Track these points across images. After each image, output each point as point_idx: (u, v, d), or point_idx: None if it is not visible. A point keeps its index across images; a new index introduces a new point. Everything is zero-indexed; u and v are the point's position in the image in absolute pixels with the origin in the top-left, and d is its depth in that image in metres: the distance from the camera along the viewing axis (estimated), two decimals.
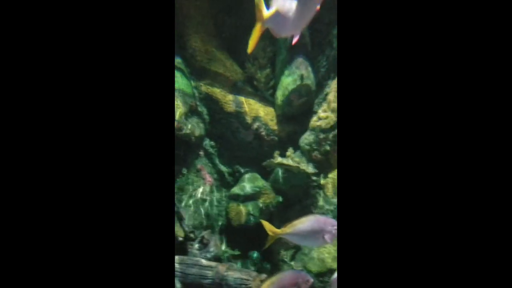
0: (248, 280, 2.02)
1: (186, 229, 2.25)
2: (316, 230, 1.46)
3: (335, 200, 2.24)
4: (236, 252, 2.47)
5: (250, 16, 2.78)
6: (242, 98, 2.49)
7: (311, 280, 1.46)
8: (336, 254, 2.11)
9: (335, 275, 1.65)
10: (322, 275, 2.08)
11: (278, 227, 2.49)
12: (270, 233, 1.56)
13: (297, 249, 2.37)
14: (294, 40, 1.13)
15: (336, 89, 2.26)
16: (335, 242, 1.92)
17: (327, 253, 2.13)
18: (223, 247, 2.46)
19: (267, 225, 1.58)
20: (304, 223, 1.49)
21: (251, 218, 2.42)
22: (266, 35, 2.58)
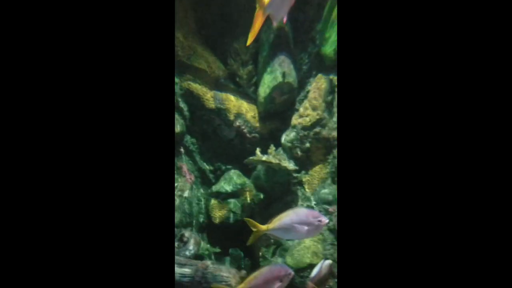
0: (228, 277, 2.01)
1: None
2: (299, 223, 1.47)
3: (314, 197, 2.27)
4: (217, 250, 2.45)
5: (233, 12, 2.76)
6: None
7: (292, 273, 1.47)
8: (315, 250, 2.14)
9: (326, 261, 1.68)
10: (302, 270, 2.10)
11: (261, 223, 2.51)
12: (254, 229, 1.55)
13: (277, 245, 2.39)
14: (285, 19, 1.16)
15: (317, 87, 2.29)
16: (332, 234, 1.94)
17: (306, 248, 2.16)
18: (204, 245, 2.44)
19: (251, 222, 1.57)
20: (287, 216, 1.49)
21: (232, 215, 2.41)
22: (249, 31, 2.56)
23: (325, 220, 1.46)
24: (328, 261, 1.68)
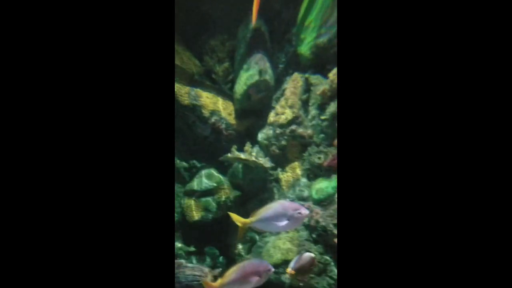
0: (200, 276, 1.99)
1: None
2: (280, 215, 1.47)
3: (290, 194, 2.31)
4: (192, 249, 2.42)
5: (209, 9, 2.71)
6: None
7: (272, 269, 1.48)
8: (291, 246, 2.17)
9: (308, 253, 1.69)
10: (277, 266, 2.12)
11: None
12: (239, 224, 1.54)
13: (253, 242, 2.40)
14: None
15: (293, 86, 2.32)
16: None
17: (282, 244, 2.18)
18: (178, 244, 2.39)
19: (235, 217, 1.56)
20: (269, 209, 1.50)
21: (208, 214, 2.39)
22: (225, 29, 2.54)
23: (305, 211, 1.47)
24: (310, 254, 1.71)
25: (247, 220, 1.52)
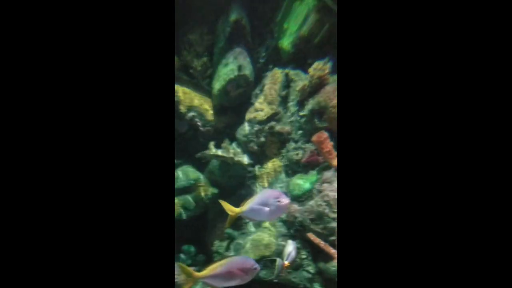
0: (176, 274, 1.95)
1: None
2: (263, 204, 1.46)
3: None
4: None
5: (187, 2, 2.63)
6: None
7: (259, 268, 1.47)
8: (268, 242, 2.18)
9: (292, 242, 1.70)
10: (256, 262, 2.12)
11: (214, 219, 2.47)
12: (229, 212, 1.52)
13: (231, 239, 2.38)
14: None
15: (273, 81, 2.32)
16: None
17: (260, 240, 2.18)
18: None
19: (226, 205, 1.54)
20: (255, 197, 1.49)
21: (185, 211, 2.34)
22: (204, 22, 2.48)
23: (285, 200, 1.45)
24: (294, 242, 1.72)
25: (238, 210, 1.50)
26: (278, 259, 1.69)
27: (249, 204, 1.48)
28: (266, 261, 2.06)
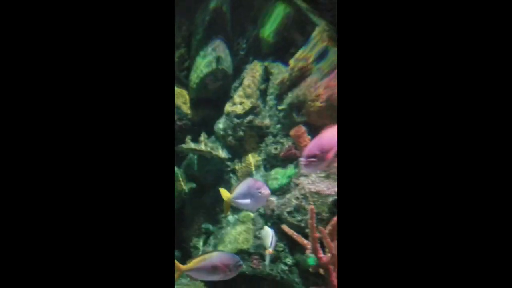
0: None
1: None
2: (246, 194, 1.47)
3: None
4: None
5: None
6: None
7: (242, 264, 1.47)
8: (246, 236, 2.18)
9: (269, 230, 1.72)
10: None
11: (192, 214, 2.43)
12: (225, 199, 1.53)
13: (208, 234, 2.36)
14: None
15: (252, 74, 2.30)
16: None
17: (238, 234, 2.18)
18: None
19: (223, 192, 1.55)
20: (240, 186, 1.51)
21: None
22: (182, 12, 2.41)
23: (265, 191, 1.46)
24: (270, 229, 1.74)
25: (229, 196, 1.52)
26: (267, 251, 1.71)
27: (236, 191, 1.50)
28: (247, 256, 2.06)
